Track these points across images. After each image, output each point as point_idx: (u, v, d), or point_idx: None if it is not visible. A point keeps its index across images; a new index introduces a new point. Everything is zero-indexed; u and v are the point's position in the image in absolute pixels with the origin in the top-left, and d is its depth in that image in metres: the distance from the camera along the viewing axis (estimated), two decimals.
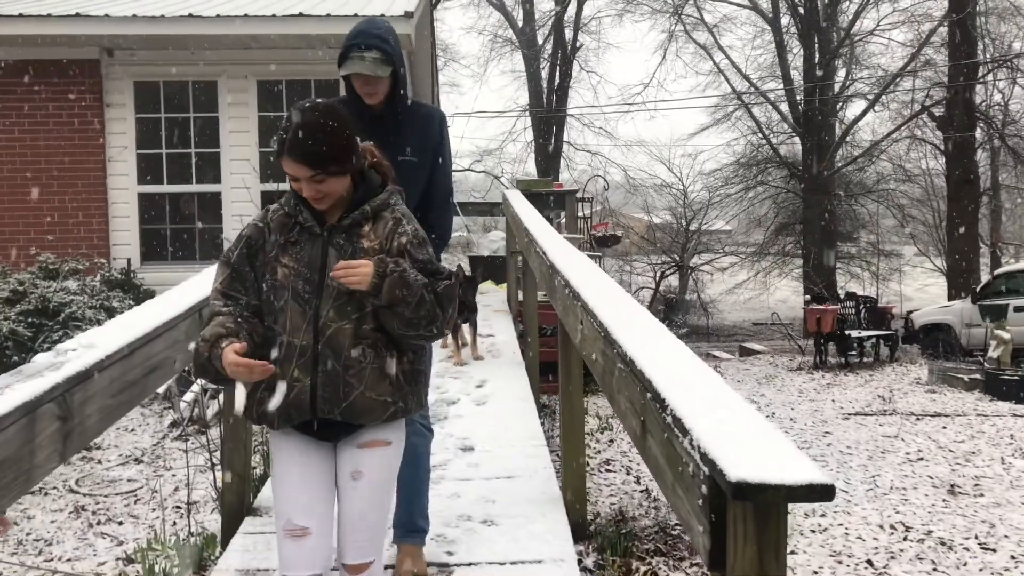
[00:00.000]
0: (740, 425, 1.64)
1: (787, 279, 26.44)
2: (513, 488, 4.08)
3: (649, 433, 1.97)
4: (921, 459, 6.52)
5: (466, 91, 59.83)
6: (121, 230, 8.99)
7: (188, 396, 6.40)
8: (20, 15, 8.35)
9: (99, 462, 5.73)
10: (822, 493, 1.41)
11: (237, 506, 3.78)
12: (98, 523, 4.58)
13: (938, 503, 5.36)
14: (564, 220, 9.04)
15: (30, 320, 6.81)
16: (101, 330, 2.43)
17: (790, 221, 25.76)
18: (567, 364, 3.85)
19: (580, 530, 3.89)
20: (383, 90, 2.75)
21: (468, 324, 6.58)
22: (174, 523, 4.47)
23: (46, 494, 5.08)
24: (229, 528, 3.71)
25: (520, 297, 7.51)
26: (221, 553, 3.52)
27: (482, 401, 5.51)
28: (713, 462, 1.48)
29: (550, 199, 8.99)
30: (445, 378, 6.08)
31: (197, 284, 3.15)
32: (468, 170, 26.34)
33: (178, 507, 4.79)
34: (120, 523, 4.59)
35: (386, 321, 2.07)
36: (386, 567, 2.98)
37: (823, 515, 4.99)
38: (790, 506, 1.49)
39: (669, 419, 1.77)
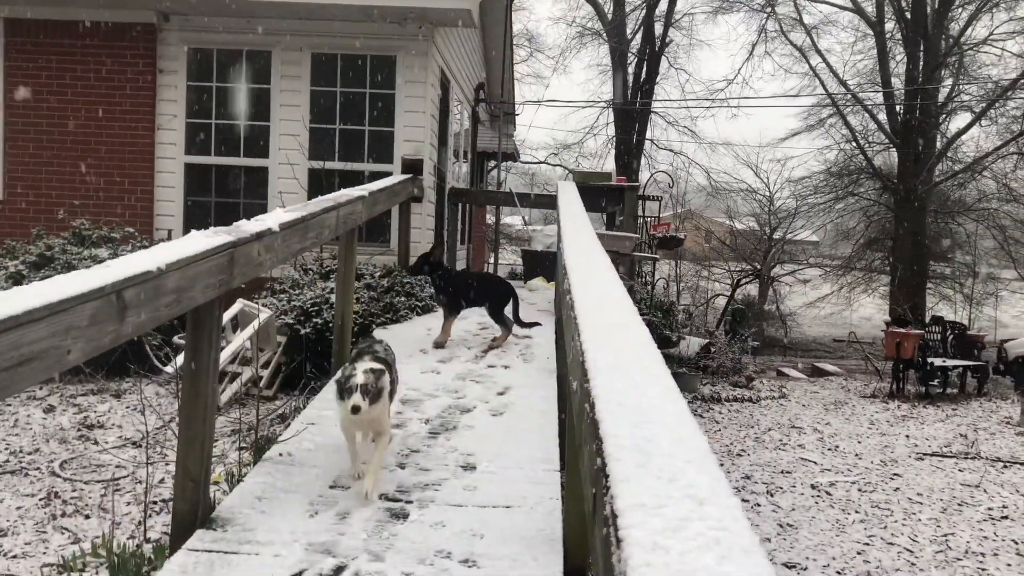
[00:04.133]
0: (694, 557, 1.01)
1: (872, 296, 25.13)
2: (509, 521, 3.52)
3: (596, 515, 1.40)
4: (1005, 517, 5.68)
5: (551, 83, 59.04)
6: (165, 200, 8.76)
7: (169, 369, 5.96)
8: None
9: (95, 442, 5.39)
10: None
11: (189, 515, 3.32)
12: (63, 515, 4.20)
13: None
14: (624, 218, 8.42)
15: None
16: None
17: (880, 236, 24.45)
18: (565, 383, 3.27)
19: None
20: None
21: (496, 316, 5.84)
22: (139, 523, 4.06)
23: (26, 475, 4.76)
24: (177, 540, 3.25)
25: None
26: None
27: (500, 411, 4.95)
28: None
29: (605, 193, 8.35)
30: (467, 381, 5.54)
31: (126, 261, 2.68)
32: (543, 163, 25.74)
33: (155, 503, 4.39)
34: (87, 516, 4.21)
35: None
36: None
37: None
38: None
39: (608, 511, 1.20)
